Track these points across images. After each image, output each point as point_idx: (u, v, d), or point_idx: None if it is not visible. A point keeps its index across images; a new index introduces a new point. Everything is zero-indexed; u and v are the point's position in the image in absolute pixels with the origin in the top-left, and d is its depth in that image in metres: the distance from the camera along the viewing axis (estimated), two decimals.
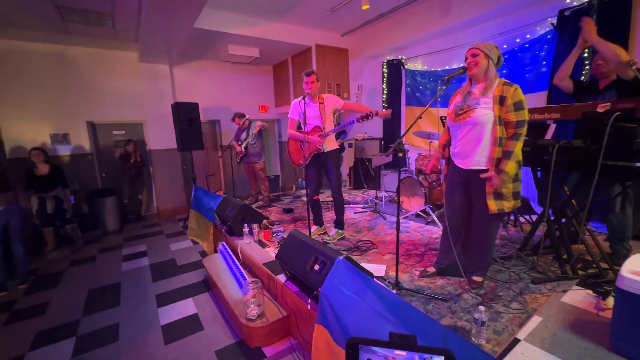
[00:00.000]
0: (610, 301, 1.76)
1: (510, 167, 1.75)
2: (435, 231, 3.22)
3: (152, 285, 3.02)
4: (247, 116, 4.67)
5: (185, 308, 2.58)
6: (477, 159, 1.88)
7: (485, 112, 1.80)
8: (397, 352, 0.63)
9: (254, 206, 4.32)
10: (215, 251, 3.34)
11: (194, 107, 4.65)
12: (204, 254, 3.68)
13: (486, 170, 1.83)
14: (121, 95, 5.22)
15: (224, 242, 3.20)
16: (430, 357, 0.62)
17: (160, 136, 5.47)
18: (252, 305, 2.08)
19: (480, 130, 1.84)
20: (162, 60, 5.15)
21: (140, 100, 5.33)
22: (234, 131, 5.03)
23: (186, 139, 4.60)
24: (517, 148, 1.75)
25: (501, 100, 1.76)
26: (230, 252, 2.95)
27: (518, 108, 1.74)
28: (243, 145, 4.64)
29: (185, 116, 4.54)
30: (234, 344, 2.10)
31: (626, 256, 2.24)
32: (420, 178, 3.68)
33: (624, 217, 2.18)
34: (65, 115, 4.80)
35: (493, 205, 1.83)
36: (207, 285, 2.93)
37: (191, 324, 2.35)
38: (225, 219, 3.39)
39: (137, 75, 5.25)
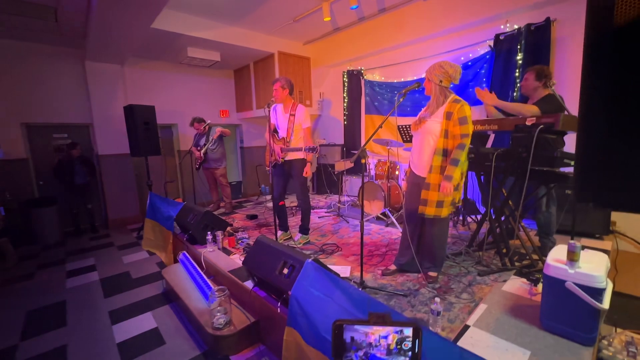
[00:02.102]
0: (541, 287, 2.04)
1: (456, 173, 1.98)
2: (395, 232, 3.43)
3: (104, 301, 2.80)
4: (208, 121, 4.55)
5: (143, 323, 2.44)
6: (423, 165, 2.14)
7: (432, 124, 2.05)
8: (375, 328, 0.71)
9: (216, 213, 4.20)
10: (175, 261, 3.20)
11: (150, 110, 4.42)
12: (161, 265, 3.49)
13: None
14: (64, 95, 4.77)
15: (184, 252, 3.08)
16: (402, 330, 0.71)
17: (110, 140, 5.08)
18: (219, 314, 2.05)
19: (427, 140, 2.09)
20: (113, 60, 4.82)
21: (86, 101, 4.92)
22: (192, 136, 4.87)
23: (141, 144, 4.34)
24: (462, 156, 1.98)
25: (448, 116, 2.00)
26: (193, 262, 2.85)
27: (462, 122, 1.97)
28: (202, 151, 4.50)
29: (141, 120, 4.30)
30: (200, 355, 2.05)
31: (552, 248, 2.62)
32: (379, 182, 3.89)
33: (549, 214, 2.54)
34: None
35: (431, 210, 2.06)
36: (168, 298, 2.80)
37: (151, 339, 2.23)
38: (186, 227, 3.27)
39: (83, 74, 4.84)
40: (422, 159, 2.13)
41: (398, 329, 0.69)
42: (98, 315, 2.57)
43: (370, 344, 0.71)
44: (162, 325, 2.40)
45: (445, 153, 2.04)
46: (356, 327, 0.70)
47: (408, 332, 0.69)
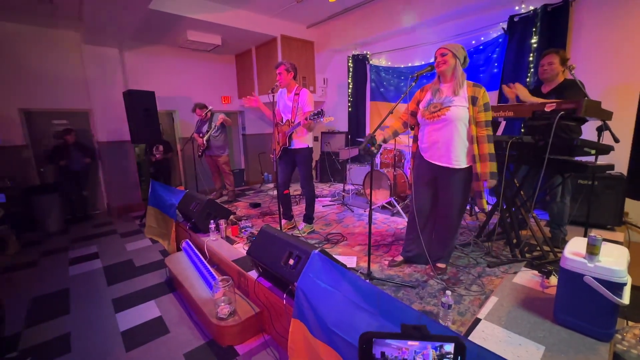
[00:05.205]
0: (553, 279, 1.99)
1: (495, 166, 1.92)
2: (401, 222, 3.37)
3: (107, 289, 2.79)
4: (210, 107, 4.44)
5: (147, 311, 2.42)
6: (454, 156, 1.95)
7: (460, 110, 1.89)
8: (410, 342, 0.65)
9: (218, 201, 4.15)
10: (178, 250, 3.17)
11: (149, 95, 4.32)
12: (165, 253, 3.46)
13: (460, 169, 1.97)
14: (62, 80, 4.65)
15: (187, 240, 3.05)
16: (442, 345, 0.64)
17: (110, 127, 4.99)
18: (223, 304, 2.02)
19: (454, 128, 1.92)
20: (111, 43, 4.68)
21: (85, 87, 4.80)
22: (193, 123, 4.77)
23: (141, 131, 4.26)
24: (494, 149, 1.92)
25: (473, 101, 1.88)
26: (196, 250, 2.82)
27: (487, 109, 1.89)
28: (205, 138, 4.41)
29: (140, 106, 4.20)
30: (204, 344, 2.03)
31: (563, 239, 2.55)
32: (385, 171, 3.80)
33: (564, 205, 2.46)
34: None
35: (485, 204, 1.99)
36: (171, 286, 2.77)
37: (155, 328, 2.21)
38: (189, 216, 3.22)
39: (81, 58, 4.70)
40: (450, 150, 1.95)
41: (437, 344, 0.63)
42: (101, 303, 2.55)
43: None
44: (165, 313, 2.38)
45: (477, 140, 1.94)
46: (387, 341, 0.63)
47: (449, 347, 0.63)
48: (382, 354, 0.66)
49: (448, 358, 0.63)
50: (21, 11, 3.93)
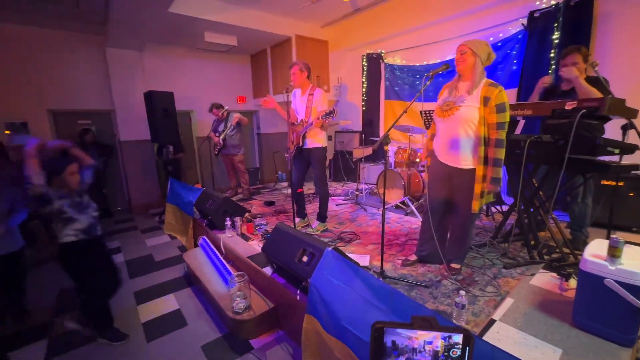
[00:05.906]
0: (572, 282, 1.93)
1: (499, 172, 1.87)
2: (414, 221, 3.34)
3: (129, 282, 2.91)
4: (226, 107, 4.54)
5: (166, 304, 2.52)
6: (462, 157, 1.94)
7: (469, 110, 1.86)
8: (420, 332, 0.67)
9: (234, 199, 4.24)
10: (196, 246, 3.27)
11: (168, 96, 4.46)
12: (183, 248, 3.58)
13: (469, 170, 1.94)
14: (87, 82, 4.87)
15: (204, 237, 3.14)
16: (450, 336, 0.66)
17: (132, 126, 5.18)
18: (239, 299, 2.08)
19: (464, 128, 1.89)
20: (133, 46, 4.85)
21: (108, 88, 5.01)
22: (210, 122, 4.89)
23: (161, 130, 4.40)
24: (503, 154, 1.85)
25: (485, 101, 1.83)
26: (212, 246, 2.90)
27: (500, 110, 1.80)
28: (221, 137, 4.52)
29: (160, 106, 4.34)
30: (220, 337, 2.09)
31: (585, 242, 2.47)
32: (399, 170, 3.78)
33: (585, 206, 2.39)
34: (22, 102, 4.41)
35: (477, 205, 1.94)
36: (189, 281, 2.87)
37: (174, 320, 2.30)
38: (206, 213, 3.31)
39: (104, 60, 4.91)
40: (458, 150, 1.93)
41: (446, 334, 0.64)
42: (124, 296, 2.66)
43: (414, 350, 0.66)
44: (184, 307, 2.47)
45: (486, 142, 1.89)
46: (398, 330, 0.65)
47: (457, 338, 0.64)
48: (393, 342, 0.68)
49: (456, 348, 0.64)
50: (50, 17, 4.13)
